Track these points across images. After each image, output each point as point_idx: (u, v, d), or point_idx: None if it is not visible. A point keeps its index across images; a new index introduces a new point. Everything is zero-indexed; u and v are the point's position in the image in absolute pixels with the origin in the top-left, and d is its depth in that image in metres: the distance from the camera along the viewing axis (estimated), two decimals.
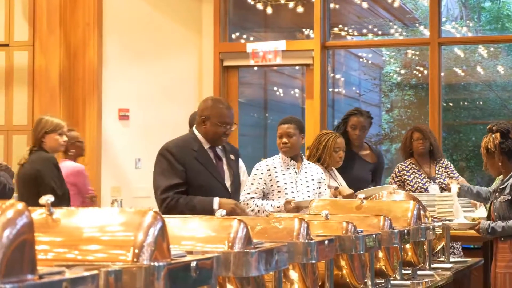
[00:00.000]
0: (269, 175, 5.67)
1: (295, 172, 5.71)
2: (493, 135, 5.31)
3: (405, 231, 3.96)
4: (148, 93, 9.03)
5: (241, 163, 6.01)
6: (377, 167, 6.80)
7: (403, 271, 4.20)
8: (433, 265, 4.78)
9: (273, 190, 5.66)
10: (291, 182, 5.68)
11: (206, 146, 5.01)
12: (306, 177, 5.74)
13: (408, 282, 4.10)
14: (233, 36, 9.59)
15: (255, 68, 9.92)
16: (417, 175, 6.90)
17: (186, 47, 9.29)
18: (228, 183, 5.04)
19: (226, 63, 9.34)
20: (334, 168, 6.22)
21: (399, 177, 6.96)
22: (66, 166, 7.04)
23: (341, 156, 6.10)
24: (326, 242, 2.95)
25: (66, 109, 8.79)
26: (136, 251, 2.00)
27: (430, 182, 6.84)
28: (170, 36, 9.21)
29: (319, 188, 5.77)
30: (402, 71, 11.67)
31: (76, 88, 8.84)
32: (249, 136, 10.44)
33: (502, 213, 5.27)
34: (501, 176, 5.47)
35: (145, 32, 9.15)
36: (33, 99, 8.81)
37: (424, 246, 4.57)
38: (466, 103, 11.48)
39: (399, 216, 4.20)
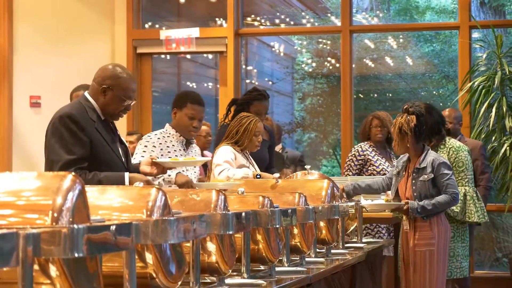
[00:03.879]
0: (161, 149, 5.34)
1: (184, 150, 5.47)
2: (408, 117, 5.39)
3: (320, 208, 4.03)
4: (60, 80, 8.89)
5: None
6: (271, 144, 6.74)
7: (317, 250, 4.27)
8: (347, 245, 4.87)
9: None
10: (181, 156, 5.38)
11: (102, 118, 4.39)
12: (194, 156, 5.50)
13: (322, 259, 4.15)
14: (146, 25, 9.53)
15: (168, 57, 9.89)
16: (379, 157, 6.97)
17: (99, 34, 9.19)
18: (123, 159, 4.47)
19: (139, 50, 9.28)
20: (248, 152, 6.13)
21: (362, 156, 6.97)
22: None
23: (260, 140, 5.90)
24: (243, 214, 2.99)
25: None
26: (55, 215, 1.99)
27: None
28: (83, 22, 9.10)
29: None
30: (314, 61, 11.79)
31: None
32: (162, 124, 10.37)
33: (425, 192, 5.36)
34: (406, 156, 5.56)
35: (57, 18, 9.02)
36: None
37: (338, 226, 4.65)
38: (376, 94, 11.67)
39: (313, 195, 4.26)
